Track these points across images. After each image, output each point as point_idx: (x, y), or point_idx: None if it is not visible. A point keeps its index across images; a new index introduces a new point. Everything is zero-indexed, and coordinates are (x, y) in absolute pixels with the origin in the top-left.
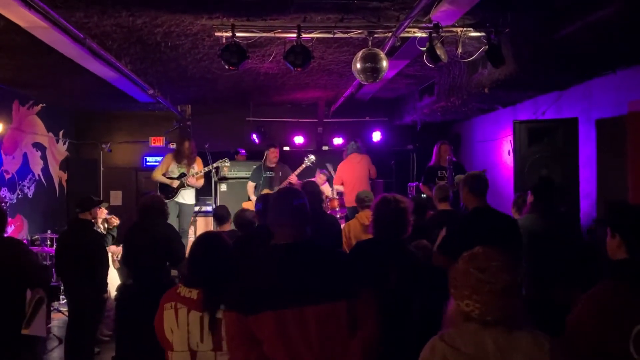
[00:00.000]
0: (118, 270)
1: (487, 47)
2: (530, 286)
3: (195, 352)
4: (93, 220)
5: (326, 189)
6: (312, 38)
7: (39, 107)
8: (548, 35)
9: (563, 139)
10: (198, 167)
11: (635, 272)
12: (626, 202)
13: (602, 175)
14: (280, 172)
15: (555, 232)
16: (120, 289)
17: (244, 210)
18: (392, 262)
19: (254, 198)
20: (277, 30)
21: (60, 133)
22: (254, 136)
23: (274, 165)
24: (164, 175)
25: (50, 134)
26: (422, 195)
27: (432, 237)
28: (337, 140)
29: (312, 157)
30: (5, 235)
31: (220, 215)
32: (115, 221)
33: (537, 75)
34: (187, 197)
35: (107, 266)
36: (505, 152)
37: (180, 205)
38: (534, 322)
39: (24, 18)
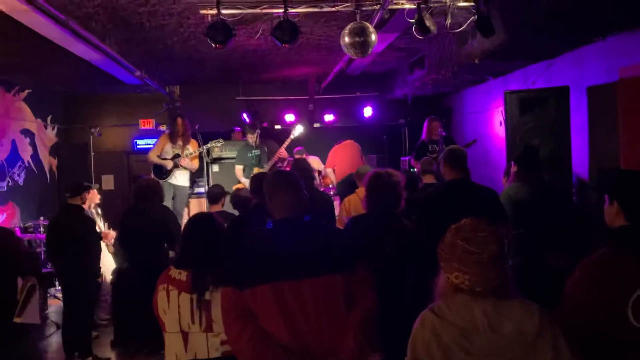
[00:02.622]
0: (113, 254)
1: (476, 17)
2: (517, 254)
3: (187, 333)
4: (83, 205)
5: (316, 164)
6: (299, 13)
7: (25, 93)
8: (536, 1)
9: (554, 108)
10: (192, 148)
11: (635, 239)
12: (619, 168)
13: (594, 143)
14: (266, 148)
15: (541, 199)
16: (116, 272)
17: (239, 190)
18: (386, 235)
19: (244, 180)
20: (264, 6)
21: (48, 119)
22: (245, 115)
23: (257, 143)
24: (158, 156)
25: (39, 120)
26: (412, 170)
27: None
28: (329, 117)
29: (299, 128)
30: None
31: (213, 194)
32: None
33: (527, 43)
34: (181, 179)
35: (99, 250)
36: (497, 122)
37: (175, 187)
38: (522, 290)
39: (3, 2)
